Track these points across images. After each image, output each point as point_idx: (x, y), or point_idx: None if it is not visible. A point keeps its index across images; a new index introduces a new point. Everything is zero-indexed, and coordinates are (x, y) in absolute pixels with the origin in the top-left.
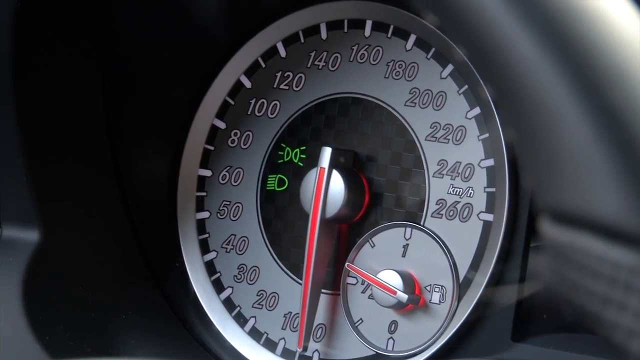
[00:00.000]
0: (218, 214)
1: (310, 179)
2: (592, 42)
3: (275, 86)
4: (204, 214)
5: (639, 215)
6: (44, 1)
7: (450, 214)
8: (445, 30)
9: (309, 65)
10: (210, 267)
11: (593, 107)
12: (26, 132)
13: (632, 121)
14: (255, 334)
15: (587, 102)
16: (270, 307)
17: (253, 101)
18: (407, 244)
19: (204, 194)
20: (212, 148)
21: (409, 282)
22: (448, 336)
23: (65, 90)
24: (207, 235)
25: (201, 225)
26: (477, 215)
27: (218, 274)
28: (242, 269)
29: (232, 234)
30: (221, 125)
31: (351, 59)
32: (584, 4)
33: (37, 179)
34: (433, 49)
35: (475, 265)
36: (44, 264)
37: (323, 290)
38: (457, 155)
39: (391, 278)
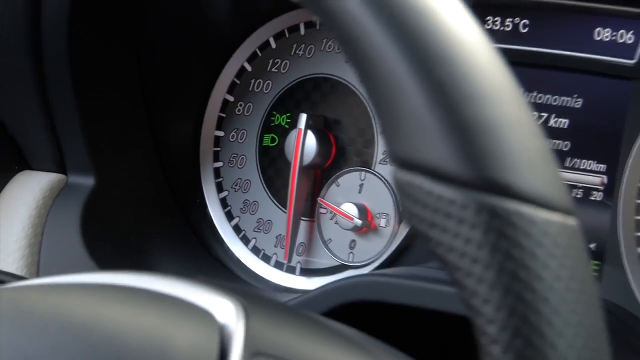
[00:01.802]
0: (229, 164)
1: (292, 137)
2: (424, 34)
3: (268, 69)
4: (219, 164)
5: (454, 161)
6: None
7: None
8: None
9: (292, 54)
10: (223, 202)
11: (424, 82)
12: (81, 102)
13: (451, 94)
14: (255, 251)
15: (420, 78)
16: (266, 231)
17: (253, 81)
18: (362, 184)
19: (218, 149)
20: (224, 115)
21: (363, 211)
22: (391, 250)
23: (110, 71)
24: (221, 179)
25: (217, 172)
26: None
27: (229, 207)
28: (246, 204)
29: (239, 178)
30: (230, 98)
31: (322, 49)
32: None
33: (91, 139)
34: None
35: None
36: (97, 202)
37: (302, 218)
38: None
39: (350, 208)
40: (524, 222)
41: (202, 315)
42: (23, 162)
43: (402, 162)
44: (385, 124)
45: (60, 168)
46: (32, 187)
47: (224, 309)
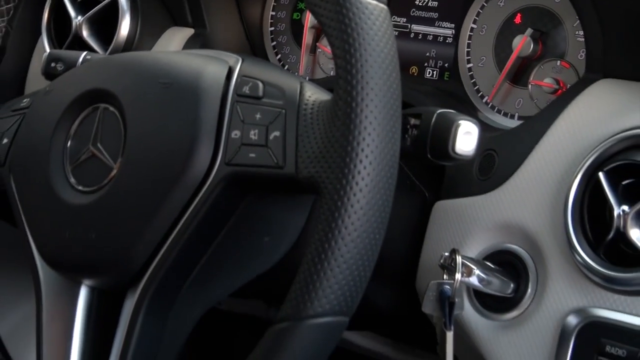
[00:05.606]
0: (277, 28)
1: (306, 12)
2: None
3: None
4: (272, 28)
5: None
6: None
7: None
8: None
9: None
10: (274, 47)
11: None
12: None
13: None
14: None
15: None
16: (292, 60)
17: None
18: None
19: (272, 20)
20: (275, 4)
21: None
22: None
23: None
24: (273, 36)
25: (271, 32)
26: None
27: (276, 50)
28: (283, 47)
29: (281, 35)
30: None
31: None
32: None
33: (241, 8)
34: None
35: None
36: (209, 44)
37: (310, 54)
38: None
39: None
40: (357, 2)
41: (221, 61)
42: (172, 20)
43: None
44: None
45: (190, 24)
46: (175, 35)
47: (232, 59)
